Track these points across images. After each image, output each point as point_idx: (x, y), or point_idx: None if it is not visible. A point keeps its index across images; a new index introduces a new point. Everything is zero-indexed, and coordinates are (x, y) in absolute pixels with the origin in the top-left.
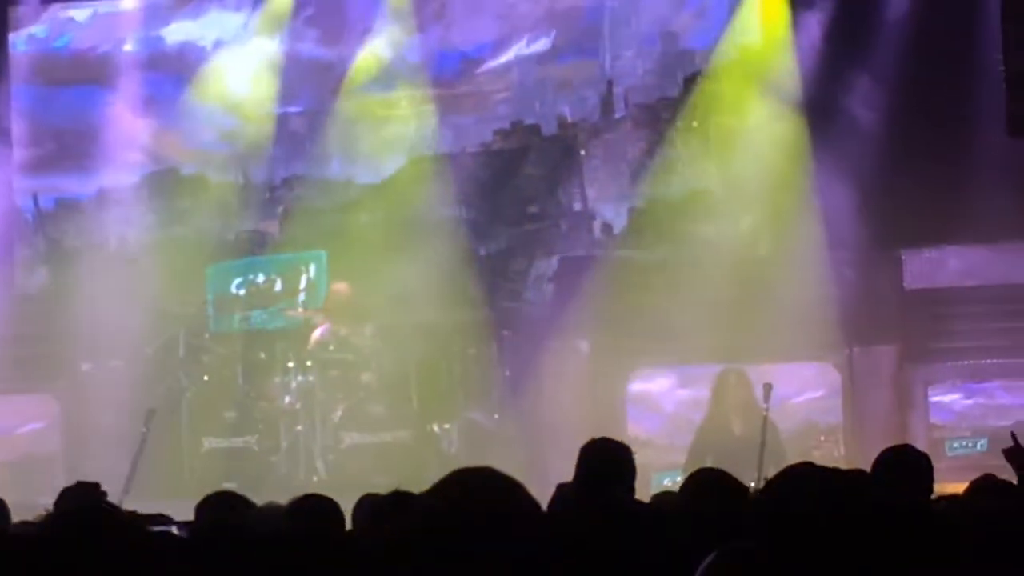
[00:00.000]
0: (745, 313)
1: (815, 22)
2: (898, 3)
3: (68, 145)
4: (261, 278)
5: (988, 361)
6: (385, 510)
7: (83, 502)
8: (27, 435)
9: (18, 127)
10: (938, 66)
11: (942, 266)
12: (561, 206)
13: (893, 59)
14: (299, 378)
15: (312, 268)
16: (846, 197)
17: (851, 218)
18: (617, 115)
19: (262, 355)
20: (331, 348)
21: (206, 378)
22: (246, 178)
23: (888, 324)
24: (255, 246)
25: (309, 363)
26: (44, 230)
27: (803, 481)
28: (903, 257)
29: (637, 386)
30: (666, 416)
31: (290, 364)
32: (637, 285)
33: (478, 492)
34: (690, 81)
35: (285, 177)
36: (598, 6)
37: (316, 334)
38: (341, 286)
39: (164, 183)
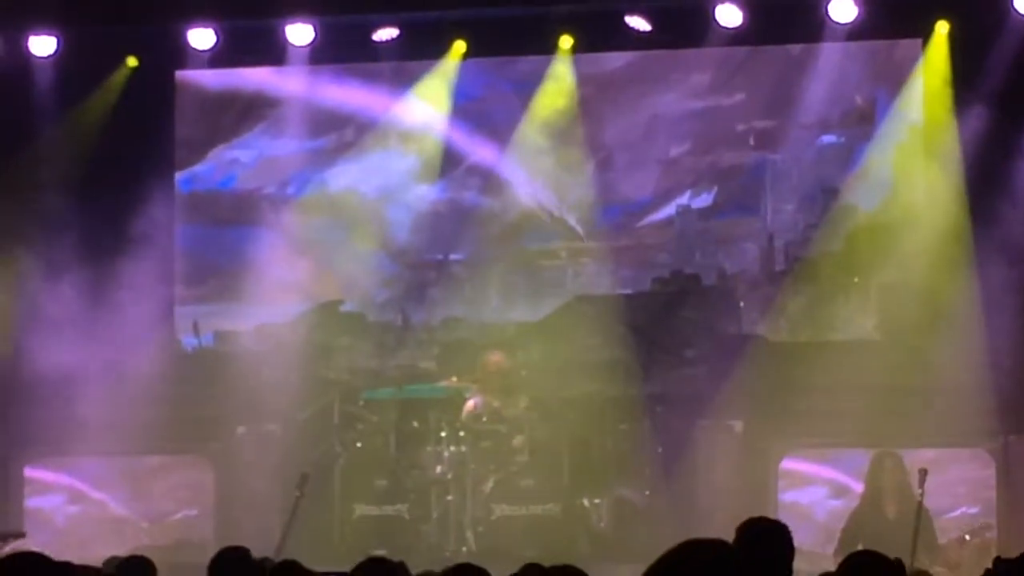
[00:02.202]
0: (899, 398)
1: (979, 107)
2: None
3: (228, 283)
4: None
5: None
6: None
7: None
8: (180, 521)
9: (181, 265)
10: None
11: None
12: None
13: None
14: (451, 448)
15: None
16: (1007, 283)
17: (1011, 306)
18: (777, 268)
19: (415, 424)
20: (484, 419)
21: (359, 445)
22: (405, 319)
23: None
24: (412, 379)
25: (462, 433)
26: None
27: None
28: None
29: (788, 496)
30: (818, 526)
31: (443, 434)
32: (792, 367)
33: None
34: (852, 236)
35: (444, 318)
36: (761, 163)
37: (469, 405)
38: (496, 356)
39: (322, 319)
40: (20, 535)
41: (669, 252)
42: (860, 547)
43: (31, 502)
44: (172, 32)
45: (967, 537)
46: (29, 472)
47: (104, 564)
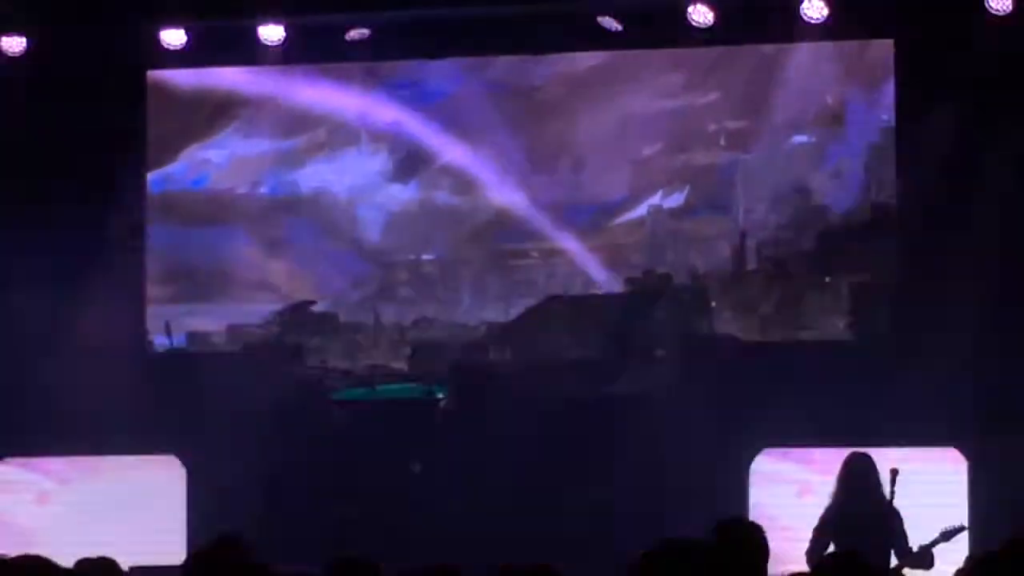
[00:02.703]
0: (871, 397)
1: (951, 107)
2: None
3: (200, 284)
4: None
5: None
6: None
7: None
8: (151, 522)
9: (152, 265)
10: None
11: None
12: None
13: None
14: (426, 448)
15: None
16: (980, 283)
17: (984, 305)
18: (749, 268)
19: (389, 423)
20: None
21: (333, 445)
22: (376, 319)
23: (1020, 413)
24: (384, 379)
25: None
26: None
27: None
28: None
29: (759, 496)
30: (789, 526)
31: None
32: (764, 367)
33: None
34: (824, 236)
35: (416, 318)
36: (733, 162)
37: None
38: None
39: (294, 320)
40: None
41: (641, 252)
42: (832, 548)
43: None
44: (143, 32)
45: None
46: None
47: (75, 566)
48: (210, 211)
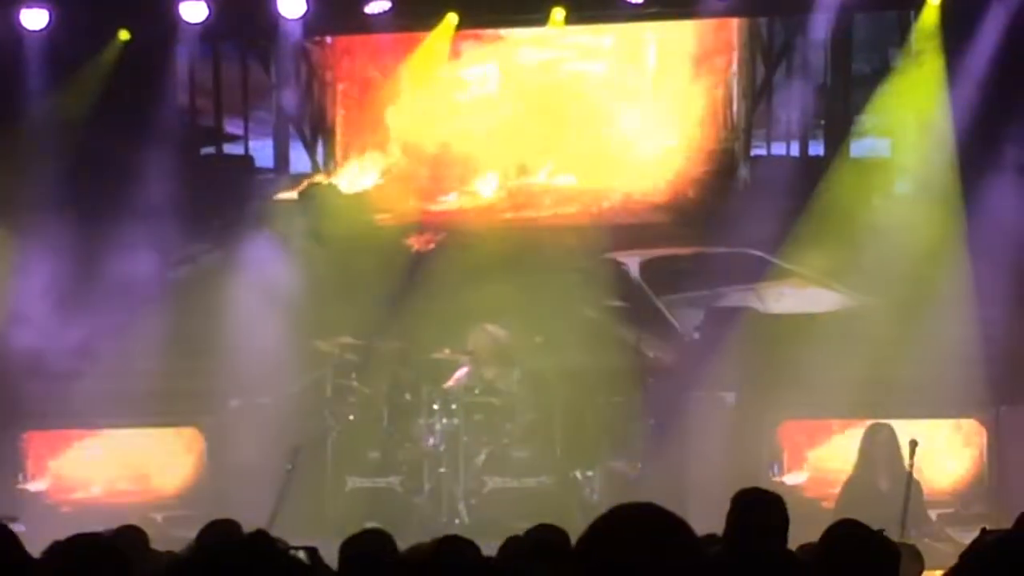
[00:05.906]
0: (892, 369)
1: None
2: None
3: None
4: None
5: None
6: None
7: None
8: (172, 493)
9: None
10: None
11: None
12: None
13: None
14: (444, 421)
15: None
16: (999, 255)
17: (1003, 277)
18: None
19: (407, 396)
20: (476, 391)
21: (352, 418)
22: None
23: None
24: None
25: (454, 406)
26: None
27: None
28: None
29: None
30: (810, 497)
31: (435, 406)
32: (783, 337)
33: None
34: None
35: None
36: None
37: (458, 374)
38: (488, 328)
39: None
40: (12, 519)
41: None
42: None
43: (23, 475)
44: (164, 5)
45: (958, 510)
46: (20, 444)
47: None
48: None
